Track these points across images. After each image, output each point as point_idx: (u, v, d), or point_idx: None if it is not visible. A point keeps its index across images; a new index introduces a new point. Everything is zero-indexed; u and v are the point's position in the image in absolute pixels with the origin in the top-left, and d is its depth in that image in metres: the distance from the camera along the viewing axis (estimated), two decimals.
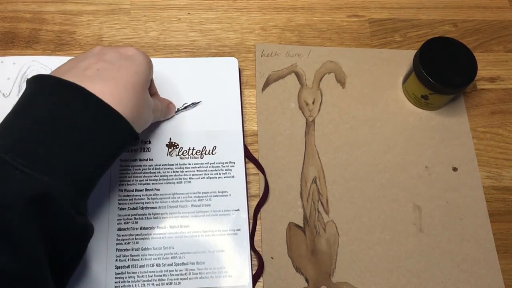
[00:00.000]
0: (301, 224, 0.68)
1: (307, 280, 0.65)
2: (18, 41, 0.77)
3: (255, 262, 0.66)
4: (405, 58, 0.81)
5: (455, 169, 0.73)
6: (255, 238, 0.67)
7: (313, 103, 0.76)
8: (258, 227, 0.68)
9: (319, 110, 0.76)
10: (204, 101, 0.74)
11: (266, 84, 0.77)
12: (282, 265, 0.66)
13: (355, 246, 0.68)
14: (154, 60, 0.74)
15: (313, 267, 0.66)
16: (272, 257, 0.66)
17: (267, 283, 0.65)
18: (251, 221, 0.68)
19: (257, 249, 0.66)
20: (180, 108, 0.73)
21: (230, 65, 0.77)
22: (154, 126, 0.71)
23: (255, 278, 0.64)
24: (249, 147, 0.72)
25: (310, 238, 0.67)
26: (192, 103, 0.73)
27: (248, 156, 0.72)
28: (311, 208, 0.69)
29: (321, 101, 0.77)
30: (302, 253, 0.66)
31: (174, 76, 0.75)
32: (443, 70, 0.71)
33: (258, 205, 0.69)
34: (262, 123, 0.74)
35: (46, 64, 0.74)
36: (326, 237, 0.68)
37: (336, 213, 0.69)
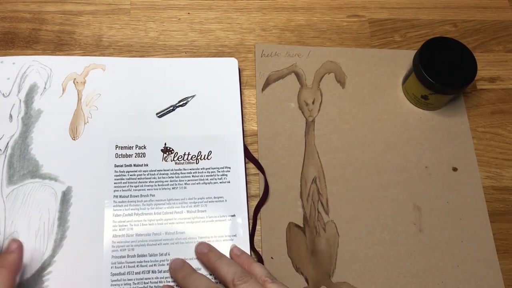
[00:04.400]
0: (301, 224, 0.68)
1: (307, 280, 0.65)
2: (18, 41, 0.77)
3: None
4: (405, 58, 0.81)
5: (455, 169, 0.73)
6: (255, 238, 0.67)
7: (313, 103, 0.76)
8: (258, 227, 0.68)
9: (319, 110, 0.76)
10: (204, 103, 0.74)
11: (266, 84, 0.77)
12: (282, 265, 0.65)
13: (355, 246, 0.68)
14: (153, 60, 0.76)
15: (313, 267, 0.66)
16: (272, 257, 0.66)
17: None
18: (251, 221, 0.68)
19: (257, 249, 0.66)
20: (176, 105, 0.73)
21: (230, 65, 0.77)
22: (150, 128, 0.71)
23: None
24: (249, 147, 0.72)
25: (310, 238, 0.67)
26: (185, 98, 0.73)
27: (248, 156, 0.72)
28: (311, 208, 0.69)
29: (321, 101, 0.77)
30: (302, 253, 0.66)
31: (173, 76, 0.75)
32: (443, 70, 0.71)
33: (258, 205, 0.69)
34: (262, 123, 0.74)
35: (46, 64, 0.74)
36: (326, 237, 0.68)
37: (336, 213, 0.69)
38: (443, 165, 0.74)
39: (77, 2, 0.81)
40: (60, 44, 0.77)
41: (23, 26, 0.78)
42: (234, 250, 0.64)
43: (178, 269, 0.61)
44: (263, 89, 0.77)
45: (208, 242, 0.65)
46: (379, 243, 0.68)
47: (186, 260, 0.63)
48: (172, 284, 0.62)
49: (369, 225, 0.69)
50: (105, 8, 0.81)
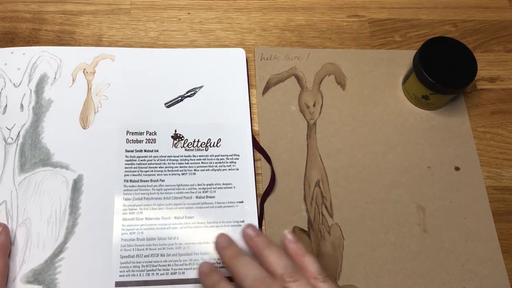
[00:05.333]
0: (306, 228, 0.68)
1: None
2: (18, 41, 0.76)
3: None
4: (405, 58, 0.81)
5: (457, 169, 0.74)
6: None
7: (313, 105, 0.76)
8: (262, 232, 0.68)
9: (320, 112, 0.76)
10: (212, 93, 0.75)
11: (266, 88, 0.77)
12: None
13: (360, 248, 0.68)
14: (161, 51, 0.77)
15: None
16: None
17: None
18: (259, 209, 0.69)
19: None
20: (184, 95, 0.73)
21: (238, 55, 0.77)
22: (160, 117, 0.72)
23: None
24: None
25: (315, 242, 0.67)
26: (193, 88, 0.74)
27: (256, 146, 0.72)
28: (315, 211, 0.69)
29: (322, 104, 0.77)
30: None
31: (181, 66, 0.76)
32: (443, 70, 0.71)
33: (266, 192, 0.70)
34: (263, 127, 0.74)
35: (56, 54, 0.74)
36: (331, 240, 0.68)
37: (340, 216, 0.69)
38: (445, 165, 0.74)
39: (77, 2, 0.80)
40: (60, 44, 0.76)
41: (23, 26, 0.77)
42: (248, 230, 0.60)
43: (225, 246, 0.59)
44: (263, 93, 0.76)
45: (216, 227, 0.66)
46: (384, 244, 0.68)
47: (194, 244, 0.65)
48: (212, 262, 0.63)
49: (373, 227, 0.69)
50: (105, 8, 0.80)
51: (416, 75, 0.73)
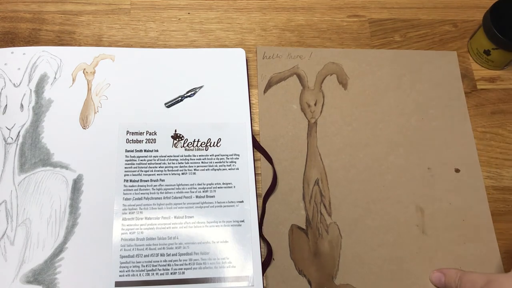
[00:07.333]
0: (304, 226, 0.68)
1: (310, 283, 0.65)
2: (18, 41, 0.76)
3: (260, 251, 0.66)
4: (406, 58, 0.81)
5: (457, 170, 0.73)
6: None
7: (315, 104, 0.76)
8: None
9: (321, 111, 0.76)
10: (211, 93, 0.75)
11: (268, 86, 0.77)
12: (285, 267, 0.65)
13: (358, 248, 0.68)
14: (162, 51, 0.77)
15: (316, 270, 0.66)
16: (273, 259, 0.66)
17: (270, 285, 0.65)
18: (259, 210, 0.68)
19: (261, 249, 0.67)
20: (184, 95, 0.74)
21: (237, 56, 0.78)
22: (160, 117, 0.72)
23: (264, 265, 0.65)
24: None
25: (312, 240, 0.67)
26: (193, 88, 0.74)
27: (256, 145, 0.72)
28: (314, 210, 0.69)
29: (323, 103, 0.77)
30: (304, 256, 0.66)
31: (181, 66, 0.76)
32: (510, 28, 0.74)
33: (268, 192, 0.69)
34: (264, 125, 0.74)
35: (56, 54, 0.75)
36: (329, 239, 0.68)
37: (338, 215, 0.69)
38: (446, 166, 0.74)
39: (77, 2, 0.80)
40: (60, 44, 0.77)
41: (23, 26, 0.78)
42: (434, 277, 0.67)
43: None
44: (265, 91, 0.76)
45: (216, 227, 0.66)
46: (382, 245, 0.68)
47: (194, 244, 0.65)
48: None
49: (372, 227, 0.69)
50: (105, 8, 0.81)
51: (483, 27, 0.76)
